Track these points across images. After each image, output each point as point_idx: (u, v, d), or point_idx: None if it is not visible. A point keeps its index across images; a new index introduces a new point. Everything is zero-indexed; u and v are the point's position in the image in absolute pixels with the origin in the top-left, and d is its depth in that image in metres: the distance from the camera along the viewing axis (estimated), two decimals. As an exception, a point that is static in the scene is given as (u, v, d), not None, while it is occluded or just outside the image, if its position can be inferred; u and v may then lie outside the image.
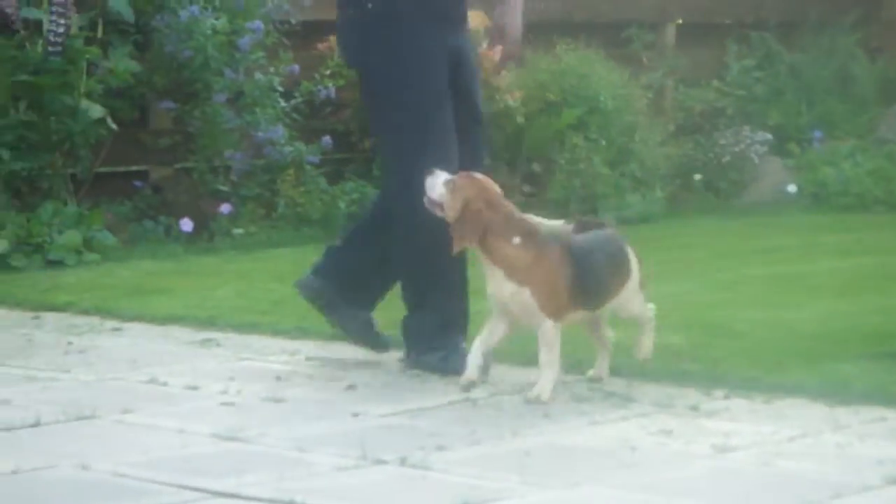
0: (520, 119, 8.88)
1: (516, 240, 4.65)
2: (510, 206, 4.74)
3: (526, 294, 4.64)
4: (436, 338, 5.05)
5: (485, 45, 8.76)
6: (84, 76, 7.59)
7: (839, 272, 7.00)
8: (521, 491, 3.80)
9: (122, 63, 7.73)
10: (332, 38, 8.66)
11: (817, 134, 10.13)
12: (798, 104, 10.35)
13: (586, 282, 4.71)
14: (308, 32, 8.55)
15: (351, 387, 4.89)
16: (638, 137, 9.35)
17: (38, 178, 7.59)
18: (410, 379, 5.02)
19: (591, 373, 4.93)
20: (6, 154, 7.43)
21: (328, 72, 8.54)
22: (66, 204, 7.58)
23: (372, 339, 5.25)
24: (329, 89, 8.43)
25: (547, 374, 4.66)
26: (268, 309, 6.12)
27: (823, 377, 4.83)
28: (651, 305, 4.93)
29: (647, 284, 4.93)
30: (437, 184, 4.74)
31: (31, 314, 6.08)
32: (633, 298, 4.86)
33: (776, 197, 9.69)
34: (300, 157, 8.21)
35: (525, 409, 4.61)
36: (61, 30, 7.49)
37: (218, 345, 5.55)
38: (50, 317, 6.09)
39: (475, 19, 8.71)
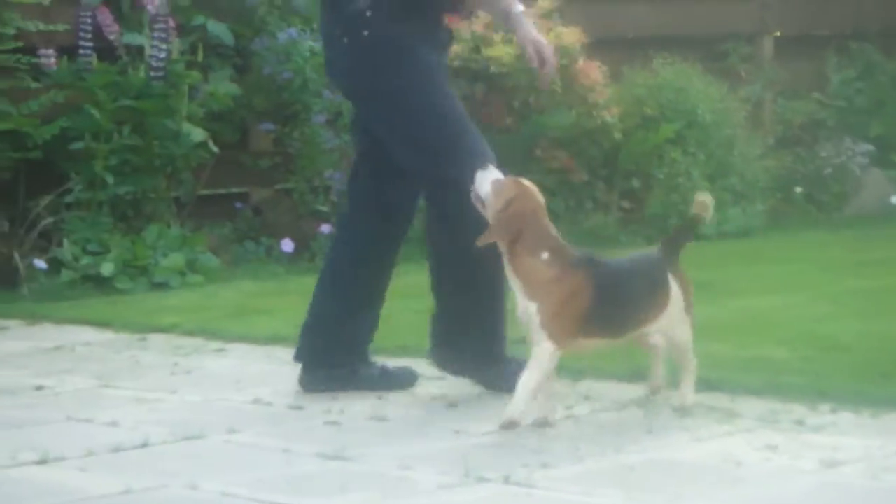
0: (617, 135, 8.86)
1: (544, 255, 4.52)
2: (548, 222, 4.61)
3: (532, 310, 4.49)
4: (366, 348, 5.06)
5: (581, 61, 8.76)
6: (185, 100, 7.69)
7: (945, 284, 6.90)
8: (626, 507, 3.79)
9: (223, 86, 7.82)
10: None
11: (919, 144, 10.01)
12: (900, 114, 10.24)
13: (607, 310, 4.53)
14: (405, 52, 8.59)
15: (452, 405, 4.90)
16: (737, 151, 9.28)
17: (142, 202, 7.70)
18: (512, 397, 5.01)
19: (649, 384, 4.84)
20: (111, 178, 7.54)
21: (425, 91, 8.57)
22: (169, 226, 7.68)
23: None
24: (427, 109, 8.46)
25: (520, 396, 4.45)
26: (369, 328, 6.13)
27: (931, 390, 4.77)
28: (694, 360, 4.72)
29: (692, 322, 4.70)
30: (486, 181, 4.61)
31: (137, 336, 6.17)
32: (673, 328, 4.66)
33: (879, 209, 9.58)
34: (399, 177, 8.24)
35: (627, 425, 4.59)
36: (163, 55, 7.60)
37: (321, 364, 5.57)
38: (156, 338, 6.17)
39: (572, 35, 8.73)
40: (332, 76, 5.19)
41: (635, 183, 9.06)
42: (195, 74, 7.74)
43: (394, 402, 4.96)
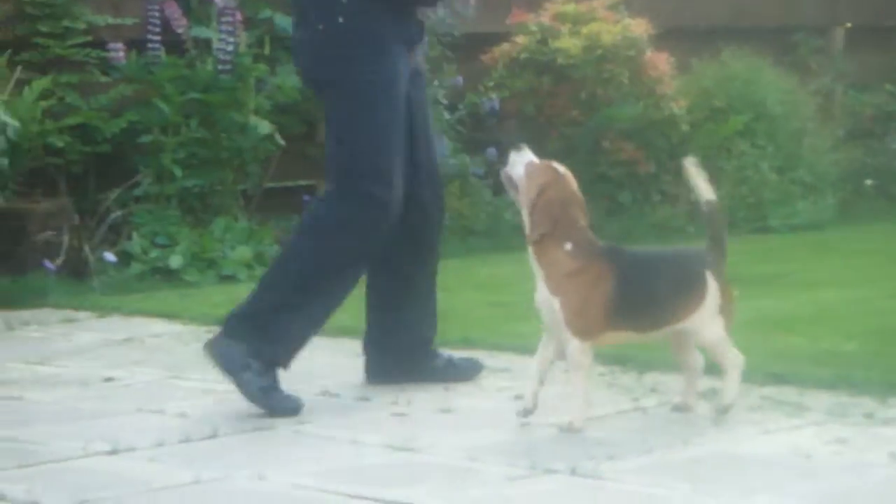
0: (685, 127, 8.82)
1: (568, 246, 4.40)
2: (579, 211, 4.46)
3: (556, 305, 4.39)
4: (264, 362, 4.77)
5: (649, 52, 8.72)
6: (252, 93, 7.72)
7: None
8: (694, 500, 3.77)
9: (290, 79, 7.84)
10: (496, 50, 8.74)
11: None
12: (972, 105, 10.13)
13: (632, 302, 4.40)
14: (471, 44, 8.59)
15: (519, 396, 4.88)
16: (807, 143, 9.22)
17: (209, 195, 7.74)
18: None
19: (676, 400, 4.65)
20: (179, 171, 7.59)
21: (492, 83, 8.58)
22: (237, 219, 7.72)
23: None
24: (493, 101, 8.47)
25: (576, 400, 4.42)
26: (436, 320, 6.14)
27: None
28: (741, 356, 4.54)
29: (731, 319, 4.53)
30: (520, 162, 4.48)
31: (205, 328, 6.18)
32: (705, 327, 4.47)
33: (951, 200, 9.49)
34: (465, 169, 8.25)
35: (695, 417, 4.57)
36: (230, 48, 7.63)
37: (388, 356, 5.59)
38: (224, 330, 6.19)
39: (639, 27, 8.70)
40: (299, 60, 5.05)
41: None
42: (262, 67, 7.77)
43: (460, 394, 4.96)
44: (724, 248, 4.56)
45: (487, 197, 8.34)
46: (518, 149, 4.54)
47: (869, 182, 9.58)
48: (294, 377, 5.26)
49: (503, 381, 5.11)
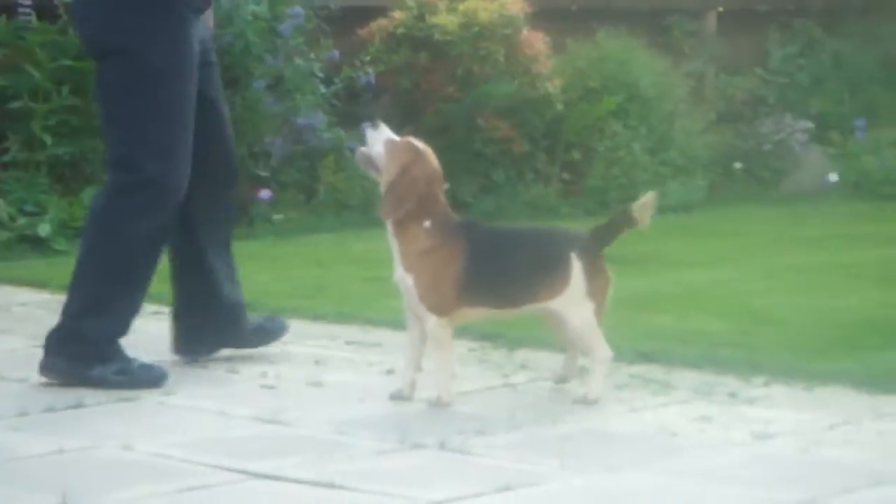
0: (559, 106, 8.87)
1: (427, 223, 4.37)
2: (439, 189, 4.43)
3: (409, 281, 4.37)
4: (104, 349, 4.70)
5: (525, 30, 8.76)
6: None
7: (881, 261, 6.97)
8: (561, 475, 3.80)
9: (164, 48, 7.75)
10: (373, 24, 8.72)
11: (859, 122, 10.08)
12: (840, 92, 10.31)
13: (484, 278, 4.36)
14: (348, 18, 8.57)
15: (390, 371, 4.90)
16: (678, 125, 9.32)
17: (80, 163, 7.63)
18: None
19: (557, 374, 4.66)
20: (49, 139, 7.47)
21: (368, 58, 8.56)
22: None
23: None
24: (369, 75, 8.45)
25: (440, 376, 4.41)
26: (308, 294, 6.14)
27: (865, 365, 4.81)
28: (609, 352, 4.48)
29: (603, 304, 4.46)
30: (379, 140, 4.44)
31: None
32: (568, 311, 4.40)
33: (817, 186, 9.65)
34: (340, 144, 8.23)
35: (565, 395, 4.60)
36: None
37: (258, 329, 5.56)
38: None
39: (515, 5, 8.72)
40: (83, 25, 4.75)
41: (576, 155, 9.08)
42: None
43: (330, 368, 4.96)
44: (607, 239, 4.51)
45: (362, 171, 8.31)
46: (375, 126, 4.48)
47: (738, 165, 9.72)
48: (162, 348, 5.22)
49: (375, 356, 5.11)
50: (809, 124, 9.90)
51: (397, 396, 4.49)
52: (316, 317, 5.71)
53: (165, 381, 4.70)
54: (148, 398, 4.56)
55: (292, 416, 4.34)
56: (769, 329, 5.43)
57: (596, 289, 4.44)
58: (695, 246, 7.54)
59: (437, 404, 4.42)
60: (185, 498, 3.63)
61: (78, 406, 4.45)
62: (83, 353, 4.68)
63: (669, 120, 9.28)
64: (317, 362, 5.02)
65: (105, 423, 4.30)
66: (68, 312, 4.77)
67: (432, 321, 4.39)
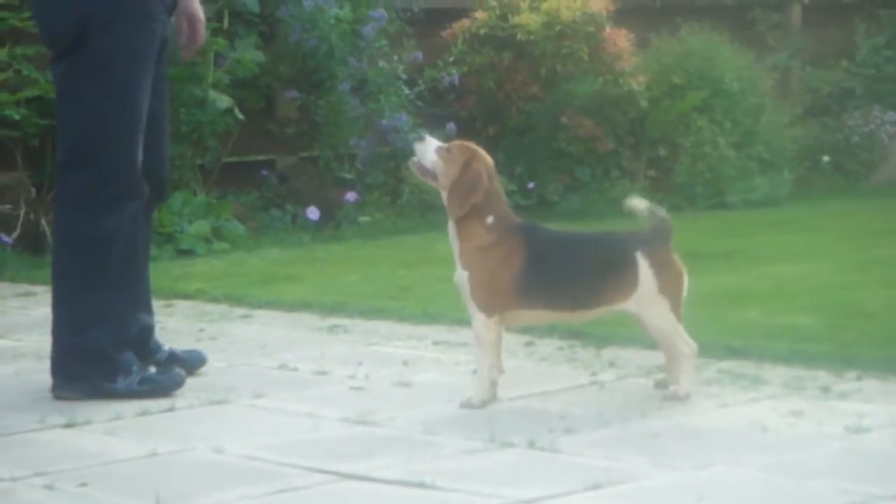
0: (643, 103, 8.83)
1: (490, 219, 4.36)
2: (499, 185, 4.43)
3: (465, 278, 4.36)
4: (120, 359, 4.61)
5: (608, 28, 8.73)
6: (211, 67, 7.69)
7: (973, 252, 6.87)
8: (651, 473, 3.79)
9: (248, 53, 7.82)
10: (456, 25, 8.73)
11: (949, 112, 9.95)
12: (929, 82, 10.18)
13: (544, 280, 4.33)
14: (430, 19, 8.59)
15: (477, 371, 4.90)
16: (764, 119, 9.25)
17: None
18: (538, 363, 5.02)
19: (659, 378, 4.58)
20: (137, 145, 7.54)
21: (451, 59, 8.57)
22: (195, 194, 7.69)
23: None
24: (452, 76, 8.46)
25: (478, 376, 4.41)
26: (394, 294, 6.16)
27: (958, 358, 4.75)
28: (693, 346, 4.43)
29: (678, 300, 4.38)
30: (430, 150, 4.41)
31: (163, 302, 6.18)
32: (643, 311, 4.37)
33: (907, 178, 9.54)
34: (425, 145, 8.23)
35: (654, 392, 4.58)
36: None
37: (346, 331, 5.60)
38: (182, 305, 6.19)
39: (599, 2, 8.70)
40: (46, 17, 4.62)
41: (661, 151, 9.04)
42: (221, 41, 7.73)
43: (418, 368, 4.97)
44: (666, 235, 4.43)
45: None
46: (422, 139, 4.49)
47: (826, 158, 9.63)
48: (252, 351, 5.27)
49: (462, 356, 5.12)
50: (898, 116, 9.79)
51: (482, 405, 4.42)
52: (403, 317, 5.72)
53: (184, 383, 4.64)
54: (237, 401, 4.59)
55: (381, 417, 4.36)
56: (860, 323, 5.36)
57: (668, 285, 4.40)
58: (782, 240, 7.47)
59: (468, 406, 4.38)
60: (276, 500, 3.65)
61: (170, 410, 4.50)
62: (101, 370, 4.58)
63: (755, 114, 9.21)
64: (405, 363, 5.04)
65: (197, 426, 4.33)
66: (64, 330, 4.62)
67: (480, 319, 4.37)
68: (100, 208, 4.60)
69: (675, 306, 4.42)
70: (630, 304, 4.40)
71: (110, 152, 4.58)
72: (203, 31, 4.90)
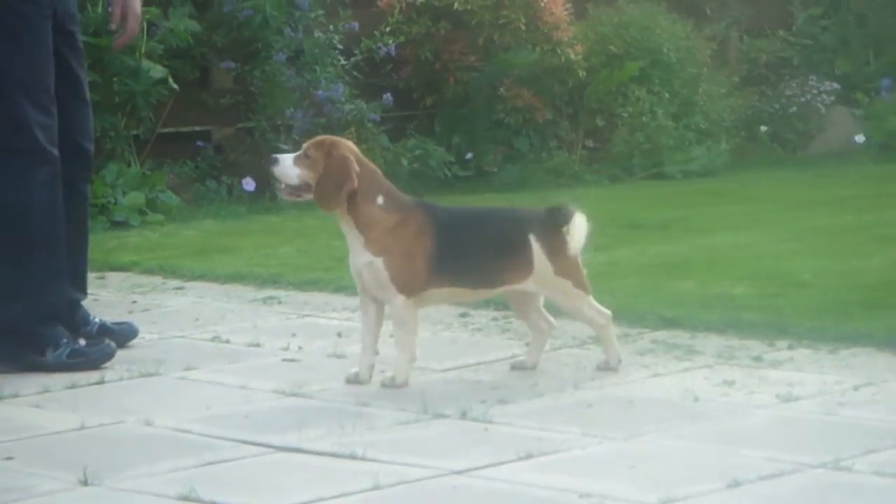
0: (581, 73, 8.82)
1: (380, 199, 4.27)
2: (374, 166, 4.36)
3: (379, 264, 4.26)
4: (45, 333, 4.56)
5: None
6: (144, 37, 7.61)
7: (907, 222, 6.91)
8: (583, 442, 3.78)
9: (182, 23, 7.74)
10: (392, -5, 8.67)
11: (885, 82, 9.98)
12: (865, 52, 10.21)
13: (451, 257, 4.27)
14: (368, -11, 8.53)
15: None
16: (702, 89, 9.27)
17: (100, 140, 7.61)
18: (472, 334, 5.01)
19: (516, 359, 4.54)
20: (69, 116, 7.45)
21: (388, 29, 8.52)
22: (129, 165, 7.62)
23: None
24: (389, 46, 8.42)
25: (400, 356, 4.32)
26: (330, 266, 6.12)
27: (889, 326, 4.77)
28: (606, 311, 4.42)
29: (578, 279, 4.35)
30: (288, 166, 4.28)
31: (96, 274, 6.10)
32: (547, 292, 4.36)
33: (844, 147, 9.58)
34: (361, 115, 8.20)
35: (586, 362, 4.58)
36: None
37: (280, 302, 5.56)
38: (114, 276, 6.14)
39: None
40: None
41: (599, 122, 9.04)
42: (154, 10, 7.64)
43: (353, 340, 4.94)
44: (562, 219, 4.34)
45: (384, 142, 8.31)
46: (275, 162, 4.35)
47: (763, 128, 9.65)
48: (184, 323, 5.23)
49: (396, 327, 5.09)
50: (835, 86, 9.82)
51: (354, 381, 4.38)
52: (338, 289, 5.69)
53: (115, 355, 4.60)
54: (168, 373, 4.56)
55: (314, 389, 4.33)
56: (794, 292, 5.38)
57: (564, 266, 4.34)
58: (719, 210, 7.49)
59: (391, 385, 4.32)
60: (205, 472, 3.62)
61: (99, 383, 4.45)
62: (26, 343, 4.55)
63: (693, 84, 9.22)
64: (339, 334, 5.01)
65: (126, 398, 4.30)
66: None
67: (400, 300, 4.29)
68: (24, 185, 4.56)
69: (579, 283, 4.37)
70: (529, 285, 4.35)
71: (25, 128, 4.54)
72: (135, 26, 4.87)
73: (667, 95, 9.00)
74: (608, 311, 4.45)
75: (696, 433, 3.85)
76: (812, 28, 10.26)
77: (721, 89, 9.41)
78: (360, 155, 4.37)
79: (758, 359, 4.56)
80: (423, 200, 4.45)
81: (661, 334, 4.88)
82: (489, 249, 4.33)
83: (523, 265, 4.33)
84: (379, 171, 4.38)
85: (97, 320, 4.87)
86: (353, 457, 3.70)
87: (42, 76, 4.60)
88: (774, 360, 4.54)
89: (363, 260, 4.30)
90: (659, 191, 8.28)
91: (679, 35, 9.24)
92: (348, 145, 4.37)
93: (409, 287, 4.30)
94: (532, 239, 4.33)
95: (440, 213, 4.36)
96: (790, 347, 4.68)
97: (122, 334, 4.87)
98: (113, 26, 4.87)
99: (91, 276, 6.01)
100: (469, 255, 4.32)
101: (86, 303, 5.38)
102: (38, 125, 4.58)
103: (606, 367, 4.46)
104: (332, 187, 4.27)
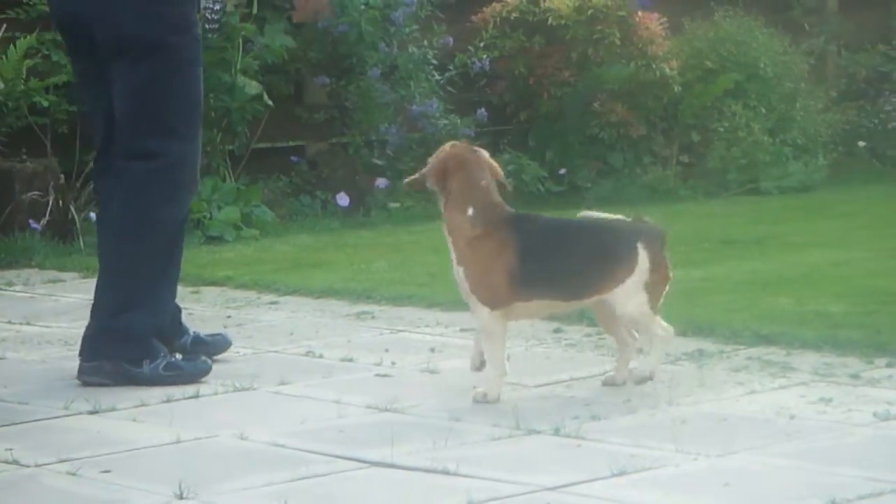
0: (676, 88, 8.77)
1: (470, 211, 4.29)
2: (482, 176, 4.33)
3: (461, 273, 4.30)
4: (150, 344, 4.64)
5: (640, 12, 8.67)
6: (240, 53, 7.67)
7: None
8: (677, 459, 3.75)
9: (277, 39, 7.80)
10: (487, 9, 8.68)
11: None
12: (966, 67, 10.07)
13: (538, 269, 4.26)
14: (461, 4, 8.55)
15: (506, 358, 4.86)
16: (799, 104, 9.18)
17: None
18: (565, 350, 4.99)
19: (607, 375, 4.52)
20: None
21: (482, 44, 8.53)
22: (224, 180, 7.68)
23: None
24: (483, 61, 8.42)
25: (490, 371, 4.32)
26: (423, 281, 6.13)
27: None
28: (668, 326, 4.41)
29: (658, 296, 4.35)
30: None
31: (190, 289, 6.17)
32: (628, 299, 4.32)
33: (943, 163, 9.45)
34: (455, 130, 8.20)
35: (680, 378, 4.54)
36: (218, 6, 7.58)
37: (373, 317, 5.57)
38: (209, 291, 6.18)
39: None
40: (99, 24, 4.65)
41: (695, 137, 8.98)
42: (250, 27, 7.71)
43: (446, 355, 4.94)
44: (661, 235, 4.39)
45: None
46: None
47: (861, 144, 9.54)
48: (278, 338, 5.25)
49: (489, 342, 5.08)
50: (934, 100, 9.69)
51: (472, 368, 4.42)
52: (431, 304, 5.70)
53: (210, 370, 4.65)
54: (262, 388, 4.58)
55: (407, 404, 4.33)
56: (892, 309, 5.30)
57: (654, 280, 4.33)
58: (816, 226, 7.41)
59: (483, 401, 4.31)
60: (300, 486, 3.63)
61: (195, 397, 4.48)
62: (129, 352, 4.61)
63: (790, 99, 9.14)
64: (432, 350, 5.01)
65: (221, 413, 4.32)
66: (105, 311, 4.68)
67: (484, 313, 4.30)
68: (165, 197, 4.69)
69: (655, 301, 4.36)
70: (615, 294, 4.33)
71: (178, 144, 4.68)
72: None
73: (763, 110, 8.93)
74: (671, 328, 4.43)
75: (792, 451, 3.80)
76: (912, 42, 10.14)
77: (819, 104, 9.32)
78: (471, 162, 4.36)
79: (855, 376, 4.50)
80: (520, 214, 4.43)
81: (756, 351, 4.83)
82: (587, 259, 4.33)
83: (620, 274, 4.32)
84: (485, 184, 4.35)
85: (192, 332, 4.91)
86: (445, 472, 3.69)
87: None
88: (872, 378, 4.48)
89: (454, 265, 4.38)
90: (754, 207, 8.21)
91: (776, 49, 9.16)
92: (460, 153, 4.38)
93: (492, 300, 4.30)
94: (640, 248, 4.33)
95: (531, 227, 4.35)
96: (888, 365, 4.61)
97: (216, 345, 4.92)
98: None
99: (186, 291, 6.10)
100: (560, 266, 4.30)
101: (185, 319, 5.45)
102: (199, 139, 4.77)
103: (639, 379, 4.38)
104: (419, 173, 4.42)
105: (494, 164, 4.45)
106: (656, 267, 4.34)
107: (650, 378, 4.40)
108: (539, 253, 4.30)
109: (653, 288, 4.34)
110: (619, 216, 4.49)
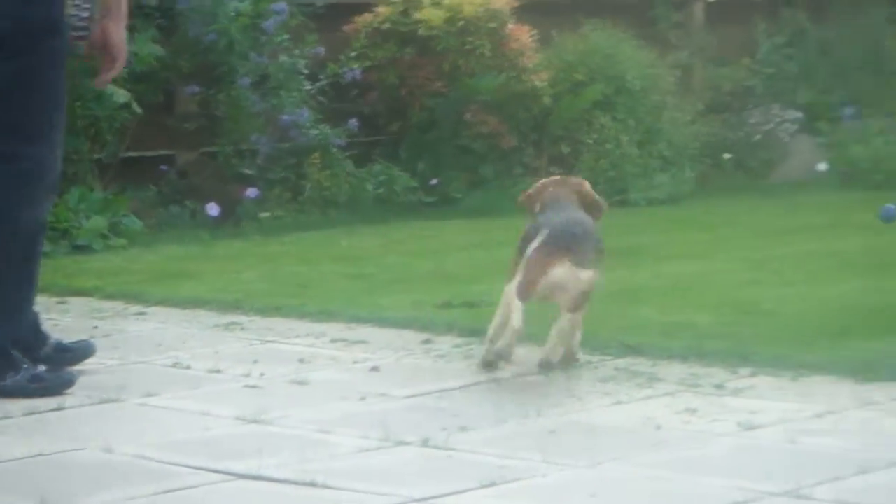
0: (546, 100, 8.84)
1: (535, 243, 4.92)
2: (563, 193, 5.06)
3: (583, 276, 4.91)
4: (9, 356, 4.52)
5: (510, 24, 8.73)
6: (108, 61, 7.57)
7: (870, 249, 6.94)
8: (545, 470, 3.77)
9: (147, 47, 7.72)
10: (358, 20, 8.68)
11: (848, 111, 10.04)
12: (828, 81, 10.27)
13: None
14: (333, 14, 8.53)
15: (374, 369, 4.87)
16: (666, 117, 9.29)
17: (64, 164, 7.55)
18: (434, 361, 5.00)
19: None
20: (32, 140, 7.41)
21: (354, 53, 8.52)
22: (92, 189, 7.58)
23: None
24: (355, 71, 8.42)
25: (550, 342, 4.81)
26: (293, 292, 6.11)
27: (851, 355, 4.78)
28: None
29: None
30: None
31: (56, 299, 6.08)
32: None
33: (807, 175, 9.61)
34: (326, 140, 8.19)
35: (550, 389, 4.58)
36: (85, 14, 7.47)
37: (242, 328, 5.54)
38: (76, 301, 6.10)
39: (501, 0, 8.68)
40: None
41: (564, 148, 9.05)
42: (119, 35, 7.62)
43: (315, 366, 4.92)
44: None
45: (349, 168, 8.30)
46: None
47: (727, 156, 9.68)
48: (145, 349, 5.20)
49: (360, 353, 5.08)
50: (798, 114, 9.86)
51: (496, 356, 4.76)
52: (301, 315, 5.68)
53: (76, 382, 4.57)
54: (128, 400, 4.52)
55: (275, 416, 4.31)
56: (756, 320, 5.40)
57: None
58: (683, 238, 7.51)
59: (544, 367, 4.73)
60: (165, 500, 3.60)
61: (59, 409, 4.42)
62: None
63: (657, 112, 9.25)
64: (301, 360, 4.99)
65: (85, 425, 4.26)
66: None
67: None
68: (20, 200, 4.57)
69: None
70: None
71: (39, 148, 4.58)
72: (123, 57, 4.86)
73: (631, 123, 9.03)
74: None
75: (658, 461, 3.84)
76: (775, 57, 10.31)
77: (685, 117, 9.44)
78: (576, 186, 5.12)
79: (720, 386, 4.56)
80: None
81: (623, 362, 4.88)
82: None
83: None
84: (556, 224, 4.95)
85: (54, 340, 4.84)
86: (313, 484, 3.68)
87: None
88: (736, 388, 4.54)
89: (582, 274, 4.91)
90: (623, 218, 8.27)
91: (643, 63, 9.27)
92: (558, 182, 5.13)
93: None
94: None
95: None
96: (752, 375, 4.69)
97: (80, 352, 4.85)
98: (86, 53, 4.91)
99: (52, 301, 6.01)
100: None
101: (47, 327, 5.36)
102: (59, 142, 4.63)
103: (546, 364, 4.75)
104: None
105: None
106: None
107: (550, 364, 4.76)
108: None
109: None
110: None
